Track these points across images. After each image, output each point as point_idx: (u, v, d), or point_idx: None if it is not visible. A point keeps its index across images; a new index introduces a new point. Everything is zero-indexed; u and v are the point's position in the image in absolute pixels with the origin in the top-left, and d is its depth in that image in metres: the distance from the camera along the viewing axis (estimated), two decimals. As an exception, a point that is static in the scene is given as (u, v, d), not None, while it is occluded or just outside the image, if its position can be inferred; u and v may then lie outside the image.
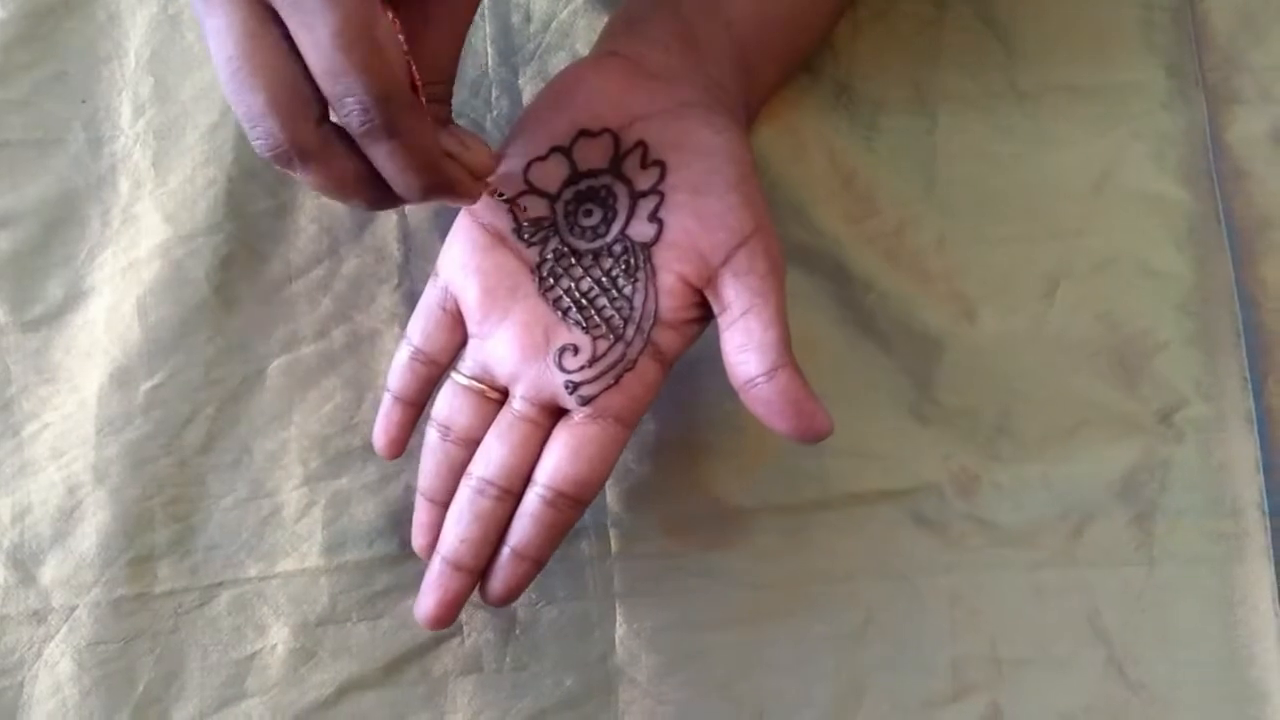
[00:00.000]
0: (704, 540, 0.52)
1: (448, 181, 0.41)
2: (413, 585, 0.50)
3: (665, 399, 0.52)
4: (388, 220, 0.54)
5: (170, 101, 0.55)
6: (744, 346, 0.44)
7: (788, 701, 0.51)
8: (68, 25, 0.56)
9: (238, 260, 0.54)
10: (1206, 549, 0.51)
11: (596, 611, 0.51)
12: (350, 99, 0.37)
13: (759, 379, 0.44)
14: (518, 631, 0.51)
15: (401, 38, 0.38)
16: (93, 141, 0.55)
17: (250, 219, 0.54)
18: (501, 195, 0.46)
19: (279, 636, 0.51)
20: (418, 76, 0.39)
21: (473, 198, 0.43)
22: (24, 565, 0.51)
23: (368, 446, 0.51)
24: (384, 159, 0.39)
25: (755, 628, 0.51)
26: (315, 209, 0.54)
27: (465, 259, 0.47)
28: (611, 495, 0.52)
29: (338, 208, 0.54)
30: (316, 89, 0.38)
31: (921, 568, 0.52)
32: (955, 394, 0.53)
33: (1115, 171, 0.55)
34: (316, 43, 0.36)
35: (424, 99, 0.40)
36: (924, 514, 0.52)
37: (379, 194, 0.41)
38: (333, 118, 0.39)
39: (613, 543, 0.52)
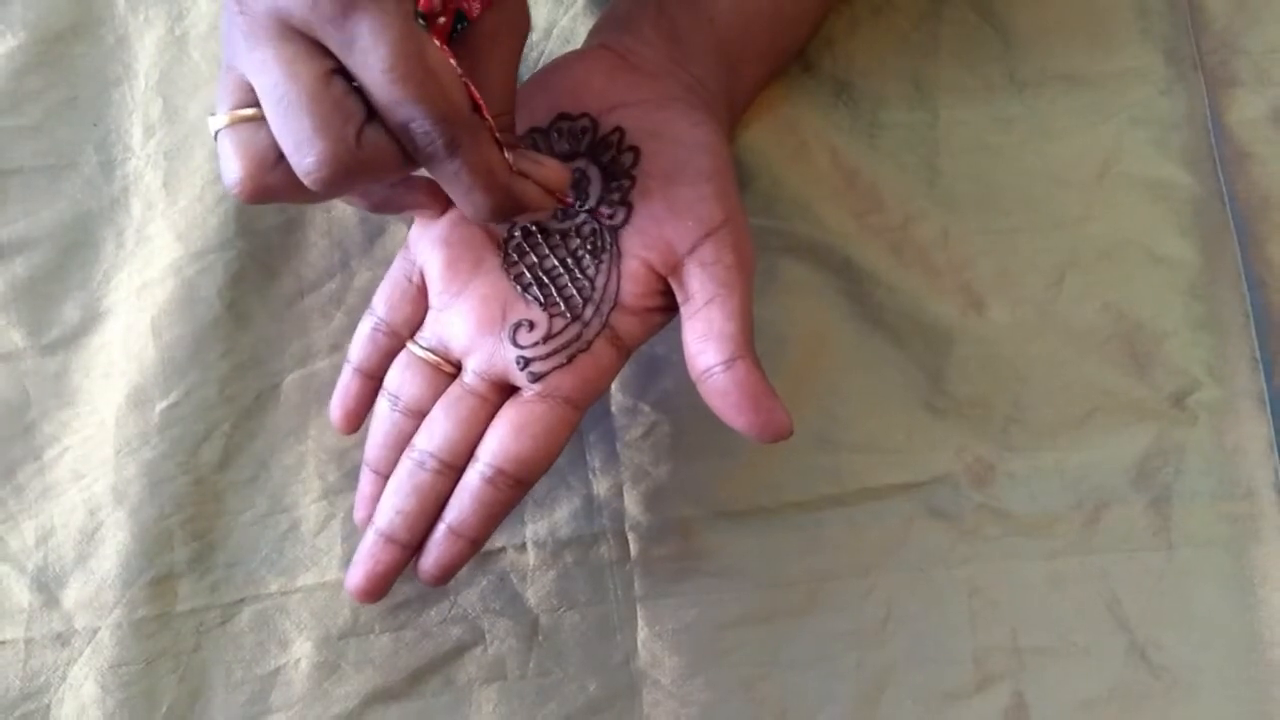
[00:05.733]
0: (722, 540, 0.48)
1: (519, 198, 0.39)
2: (434, 596, 0.48)
3: (678, 400, 0.49)
4: (398, 233, 0.51)
5: (179, 121, 0.52)
6: (704, 336, 0.41)
7: (810, 699, 0.47)
8: (77, 50, 0.53)
9: (249, 276, 0.50)
10: (1223, 531, 0.48)
11: (618, 615, 0.48)
12: (412, 124, 0.36)
13: (715, 369, 0.41)
14: (540, 638, 0.48)
15: (454, 63, 0.36)
16: (105, 164, 0.52)
17: (260, 235, 0.51)
18: (575, 204, 0.43)
19: (302, 651, 0.48)
20: (479, 97, 0.37)
21: (546, 211, 0.40)
22: (48, 588, 0.48)
23: (384, 458, 0.48)
24: (451, 179, 0.37)
25: (776, 626, 0.48)
26: (325, 223, 0.51)
27: (434, 231, 0.44)
28: (629, 499, 0.49)
29: (348, 221, 0.51)
30: (361, 105, 0.36)
31: (939, 560, 0.48)
32: (967, 385, 0.50)
33: (1117, 158, 0.51)
34: (373, 78, 0.35)
35: (489, 118, 0.37)
36: (939, 506, 0.49)
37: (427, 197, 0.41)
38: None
39: (631, 547, 0.48)
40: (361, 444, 0.48)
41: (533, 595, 0.48)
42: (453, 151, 0.36)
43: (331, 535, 0.48)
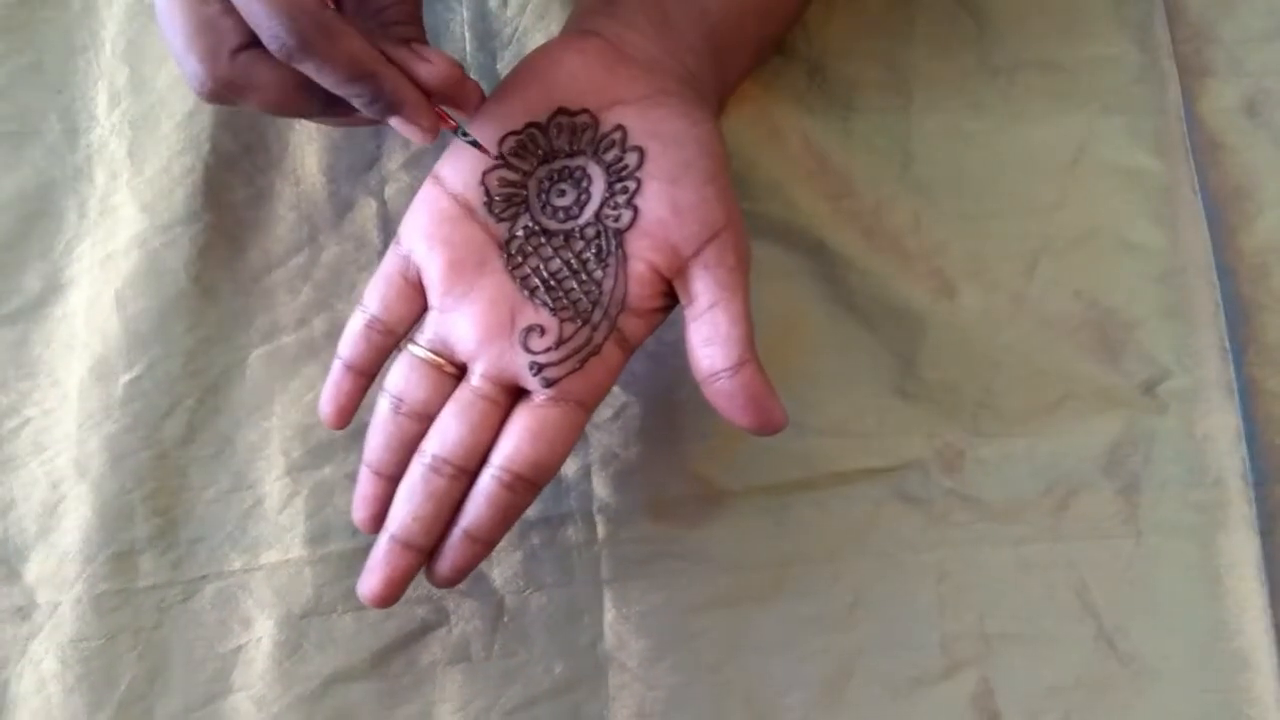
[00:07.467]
0: (690, 524, 0.48)
1: (391, 94, 0.39)
2: (398, 575, 0.46)
3: (648, 383, 0.48)
4: (367, 207, 0.50)
5: (146, 90, 0.51)
6: (710, 340, 0.41)
7: (777, 683, 0.47)
8: (42, 15, 0.52)
9: (216, 250, 0.49)
10: (1191, 519, 0.48)
11: (584, 598, 0.47)
12: (263, 29, 0.37)
13: (723, 374, 0.41)
14: (506, 619, 0.47)
15: None
16: (69, 132, 0.51)
17: (228, 208, 0.50)
18: (462, 133, 0.42)
19: (264, 629, 0.47)
20: None
21: (422, 116, 0.40)
22: (9, 562, 0.47)
23: (350, 436, 0.47)
24: (316, 77, 0.38)
25: (743, 610, 0.47)
26: (294, 197, 0.50)
27: (432, 229, 0.43)
28: (597, 481, 0.48)
29: (316, 195, 0.50)
30: (236, 22, 0.38)
31: (908, 546, 0.48)
32: (938, 371, 0.49)
33: (1090, 146, 0.51)
34: None
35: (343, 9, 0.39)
36: (909, 491, 0.48)
37: (329, 105, 0.41)
38: None
39: (599, 529, 0.48)
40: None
41: (499, 576, 0.47)
42: (306, 51, 0.37)
43: (295, 512, 0.48)
